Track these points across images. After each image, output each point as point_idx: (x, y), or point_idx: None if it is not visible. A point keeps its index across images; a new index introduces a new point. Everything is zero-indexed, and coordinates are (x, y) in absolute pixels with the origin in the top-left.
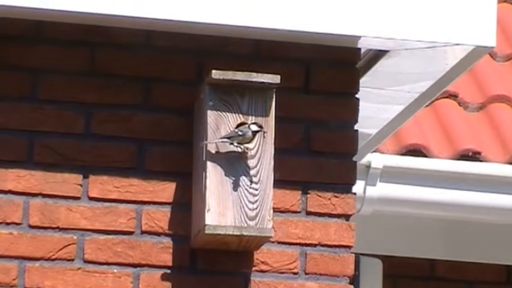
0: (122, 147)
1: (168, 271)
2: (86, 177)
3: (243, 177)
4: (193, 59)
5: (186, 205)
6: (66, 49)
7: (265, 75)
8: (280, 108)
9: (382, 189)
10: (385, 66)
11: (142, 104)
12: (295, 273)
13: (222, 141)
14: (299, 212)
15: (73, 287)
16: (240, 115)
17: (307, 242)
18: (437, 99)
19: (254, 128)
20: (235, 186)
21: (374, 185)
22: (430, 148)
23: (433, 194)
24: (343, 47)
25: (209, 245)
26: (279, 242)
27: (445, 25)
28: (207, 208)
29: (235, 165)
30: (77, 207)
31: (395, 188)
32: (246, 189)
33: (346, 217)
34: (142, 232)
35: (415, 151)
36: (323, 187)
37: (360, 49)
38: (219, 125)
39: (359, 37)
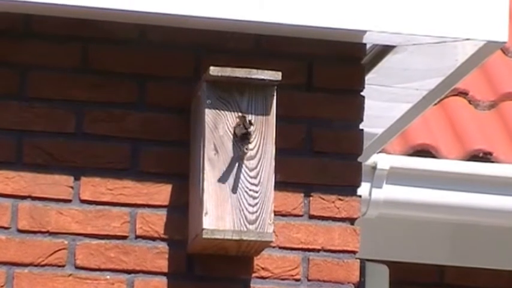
0: (116, 147)
1: (164, 277)
2: (77, 179)
3: (243, 179)
4: (191, 55)
5: (183, 208)
6: (56, 44)
7: (266, 71)
8: (282, 106)
9: (389, 192)
10: (391, 63)
11: (136, 102)
12: (297, 280)
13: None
14: (301, 216)
15: None
16: (240, 114)
17: (310, 247)
18: (446, 97)
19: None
20: (234, 188)
21: (380, 187)
22: (438, 148)
23: (442, 197)
24: (347, 42)
25: (207, 250)
26: (280, 247)
27: (455, 19)
28: (204, 211)
29: (234, 166)
30: (68, 210)
31: (402, 190)
32: (246, 192)
33: (351, 221)
34: (137, 237)
35: (423, 151)
36: (326, 189)
37: (365, 44)
38: (217, 124)
39: (364, 32)
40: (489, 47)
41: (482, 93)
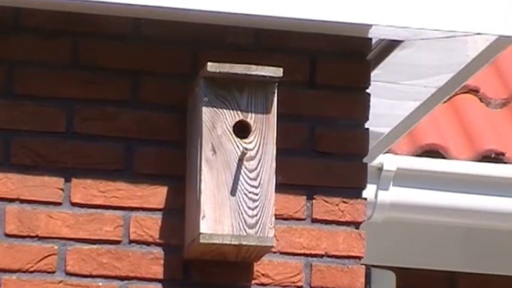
0: (108, 147)
1: (159, 284)
2: (68, 180)
3: (242, 180)
4: (187, 50)
5: (179, 212)
6: (46, 39)
7: (266, 68)
8: (283, 104)
9: (396, 194)
10: (398, 58)
11: (130, 99)
12: (299, 287)
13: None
14: (304, 219)
15: None
16: (239, 112)
17: (313, 252)
18: (456, 94)
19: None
20: (233, 190)
21: (386, 189)
22: (448, 148)
23: (451, 199)
24: (352, 36)
25: (204, 255)
26: (281, 253)
27: (465, 13)
28: (201, 215)
29: (233, 167)
30: (58, 213)
31: (409, 193)
32: (245, 194)
33: (356, 225)
34: (131, 241)
35: (432, 152)
36: (330, 192)
37: (371, 39)
38: (215, 123)
39: (370, 26)
40: (501, 42)
41: (494, 91)
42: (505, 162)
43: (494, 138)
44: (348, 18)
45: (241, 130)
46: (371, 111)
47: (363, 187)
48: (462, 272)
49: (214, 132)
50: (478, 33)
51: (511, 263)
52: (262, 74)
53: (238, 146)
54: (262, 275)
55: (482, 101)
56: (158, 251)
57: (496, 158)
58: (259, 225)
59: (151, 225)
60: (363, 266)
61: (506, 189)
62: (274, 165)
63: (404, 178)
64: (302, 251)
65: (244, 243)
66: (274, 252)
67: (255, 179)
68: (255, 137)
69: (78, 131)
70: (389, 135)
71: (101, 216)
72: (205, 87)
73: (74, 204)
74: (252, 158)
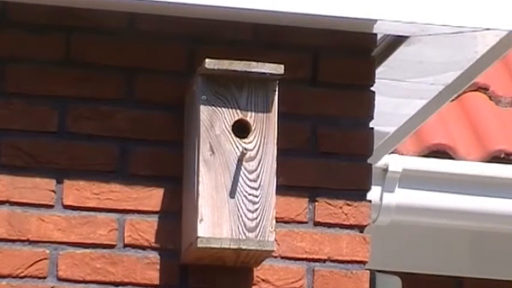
0: (102, 147)
1: None
2: (60, 182)
3: (241, 182)
4: (184, 47)
5: (176, 214)
6: (36, 35)
7: (267, 64)
8: (284, 102)
9: (401, 196)
10: (404, 55)
11: (125, 98)
12: None
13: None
14: (306, 223)
15: None
16: (238, 111)
17: (315, 257)
18: (465, 92)
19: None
20: (232, 192)
21: (392, 191)
22: (456, 149)
23: (459, 202)
24: (356, 32)
25: (202, 260)
26: (282, 257)
27: (474, 7)
28: (199, 218)
29: (232, 168)
30: (50, 216)
31: (416, 195)
32: (245, 196)
33: (360, 228)
34: (125, 245)
35: (439, 152)
36: (333, 194)
37: (376, 35)
38: (214, 122)
39: (375, 21)
40: (511, 38)
41: (504, 88)
42: None
43: (504, 138)
44: (351, 13)
45: (241, 129)
46: (376, 109)
47: (368, 189)
48: (470, 277)
49: (213, 132)
50: (488, 29)
51: None
52: (263, 71)
53: (237, 146)
54: (263, 280)
55: (491, 99)
56: (154, 256)
57: (505, 158)
58: (260, 229)
59: (146, 229)
60: (368, 271)
61: None
62: (275, 166)
63: (411, 179)
64: (304, 256)
65: (244, 247)
66: (275, 257)
67: (255, 181)
68: (255, 137)
69: (71, 130)
70: (395, 135)
71: (95, 219)
72: (203, 84)
73: (66, 207)
74: (251, 159)
